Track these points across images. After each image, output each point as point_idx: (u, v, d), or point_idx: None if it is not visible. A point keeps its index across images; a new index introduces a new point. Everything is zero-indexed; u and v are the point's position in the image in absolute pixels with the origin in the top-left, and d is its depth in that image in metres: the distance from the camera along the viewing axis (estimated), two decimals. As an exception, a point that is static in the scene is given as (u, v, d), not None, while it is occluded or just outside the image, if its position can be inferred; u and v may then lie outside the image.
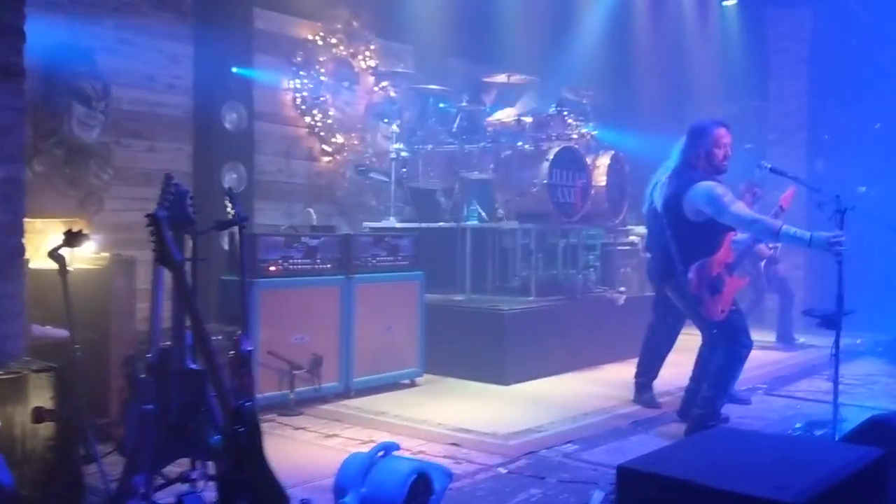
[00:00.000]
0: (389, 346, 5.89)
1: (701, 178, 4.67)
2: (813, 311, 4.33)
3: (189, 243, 3.43)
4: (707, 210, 4.57)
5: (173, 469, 3.17)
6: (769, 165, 4.86)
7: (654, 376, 5.77)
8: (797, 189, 5.28)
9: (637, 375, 5.81)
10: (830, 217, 4.25)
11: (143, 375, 3.14)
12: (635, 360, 7.17)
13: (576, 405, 5.59)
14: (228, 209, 3.85)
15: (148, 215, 2.90)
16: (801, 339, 8.60)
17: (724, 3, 9.77)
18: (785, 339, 8.62)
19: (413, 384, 6.12)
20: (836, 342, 4.20)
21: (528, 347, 6.41)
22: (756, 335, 8.63)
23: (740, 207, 4.59)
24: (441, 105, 7.49)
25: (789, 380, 6.63)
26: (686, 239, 4.73)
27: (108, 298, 4.46)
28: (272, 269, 5.20)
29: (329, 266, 5.53)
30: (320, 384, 5.38)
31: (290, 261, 5.29)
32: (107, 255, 4.85)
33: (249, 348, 3.46)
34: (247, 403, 2.85)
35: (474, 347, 6.34)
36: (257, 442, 2.82)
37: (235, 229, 3.87)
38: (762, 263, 8.32)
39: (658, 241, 5.07)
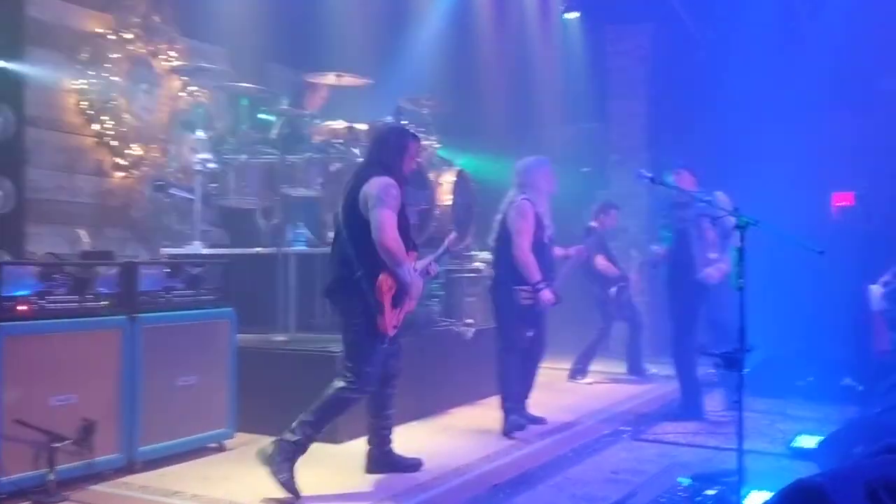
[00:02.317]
0: (189, 403, 4.69)
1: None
2: (710, 350, 3.62)
3: None
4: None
5: None
6: (649, 175, 4.14)
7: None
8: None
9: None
10: (727, 234, 3.55)
11: None
12: (487, 402, 6.38)
13: (424, 466, 4.62)
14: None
15: None
16: (653, 370, 8.12)
17: (565, 16, 9.28)
18: (636, 371, 8.10)
19: (221, 448, 4.93)
20: (740, 387, 3.47)
21: (365, 395, 5.38)
22: (603, 366, 8.20)
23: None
24: (259, 111, 6.39)
25: (653, 419, 5.99)
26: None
27: None
28: (22, 308, 3.89)
29: (106, 303, 4.28)
30: (93, 458, 4.10)
31: (50, 297, 4.00)
32: None
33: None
34: None
35: (299, 399, 5.12)
36: None
37: None
38: (613, 289, 7.75)
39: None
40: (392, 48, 7.92)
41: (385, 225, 4.04)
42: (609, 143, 10.18)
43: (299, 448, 4.14)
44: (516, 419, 5.45)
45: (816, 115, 8.70)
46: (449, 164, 6.79)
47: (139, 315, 4.41)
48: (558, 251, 6.01)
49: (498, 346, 5.57)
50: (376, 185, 4.13)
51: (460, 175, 6.58)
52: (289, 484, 4.04)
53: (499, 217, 5.56)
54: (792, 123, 8.79)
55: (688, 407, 5.90)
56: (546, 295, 5.33)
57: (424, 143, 6.44)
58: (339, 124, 6.23)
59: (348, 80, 6.28)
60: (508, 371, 5.49)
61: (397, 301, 4.19)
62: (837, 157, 8.54)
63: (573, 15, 9.32)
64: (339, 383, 4.22)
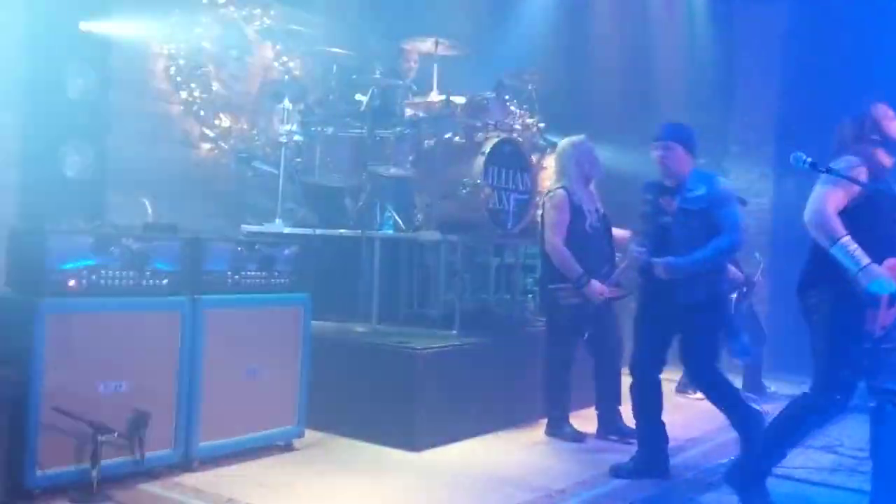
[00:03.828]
0: (256, 396, 4.22)
1: None
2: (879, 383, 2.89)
3: None
4: None
5: None
6: (809, 159, 3.39)
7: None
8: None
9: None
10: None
11: None
12: (585, 412, 5.75)
13: (515, 484, 4.04)
14: None
15: None
16: (772, 388, 7.28)
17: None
18: (755, 388, 7.24)
19: (289, 447, 4.45)
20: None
21: (449, 399, 4.82)
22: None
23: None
24: (351, 80, 5.89)
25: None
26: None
27: None
28: (70, 283, 3.49)
29: (165, 282, 3.85)
30: (143, 454, 3.68)
31: (102, 272, 3.59)
32: None
33: None
34: None
35: (376, 398, 4.72)
36: None
37: None
38: (734, 295, 6.92)
39: None
40: (497, 18, 7.30)
41: (817, 201, 3.46)
42: (729, 134, 9.27)
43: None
44: (567, 430, 5.06)
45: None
46: (554, 146, 6.13)
47: (202, 296, 3.97)
48: (619, 233, 5.30)
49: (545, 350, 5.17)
50: (840, 162, 3.53)
51: (567, 159, 5.90)
52: None
53: (539, 211, 5.15)
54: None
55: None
56: (594, 288, 4.84)
57: (528, 121, 5.84)
58: (435, 97, 5.67)
59: (446, 48, 5.70)
60: (551, 377, 5.11)
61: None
62: None
63: (699, -10, 8.45)
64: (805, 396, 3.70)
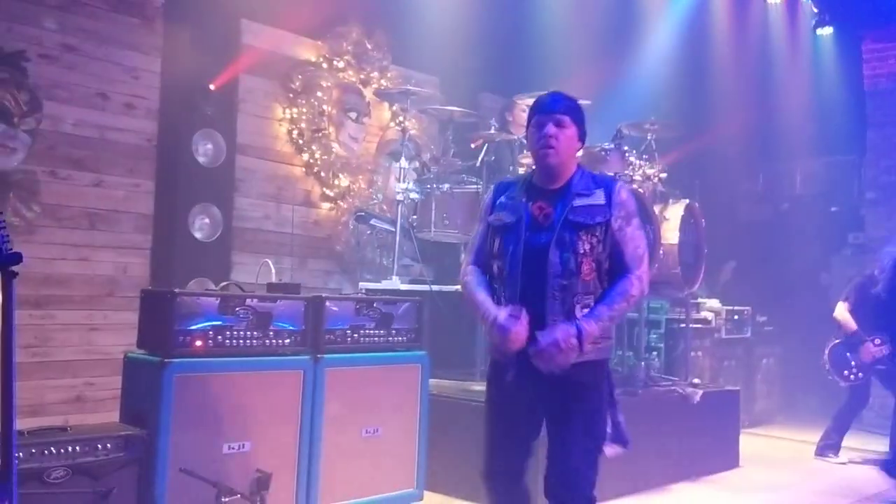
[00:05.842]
0: (374, 457, 4.17)
1: None
2: None
3: None
4: None
5: None
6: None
7: None
8: None
9: None
10: None
11: None
12: (713, 478, 5.44)
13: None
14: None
15: None
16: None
17: (818, 32, 8.07)
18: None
19: (408, 511, 4.38)
20: None
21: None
22: (854, 441, 6.82)
23: None
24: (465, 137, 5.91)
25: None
26: None
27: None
28: (197, 343, 3.56)
29: (287, 341, 3.88)
30: (264, 515, 3.67)
31: (226, 333, 3.64)
32: None
33: None
34: None
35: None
36: None
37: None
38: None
39: None
40: (614, 69, 7.20)
41: None
42: (865, 179, 8.78)
43: None
44: None
45: None
46: (676, 196, 5.93)
47: (324, 356, 3.97)
48: None
49: None
50: None
51: (690, 210, 5.70)
52: None
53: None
54: None
55: None
56: None
57: (648, 172, 5.67)
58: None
59: (564, 101, 5.62)
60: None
61: None
62: None
63: (826, 30, 8.09)
64: None
